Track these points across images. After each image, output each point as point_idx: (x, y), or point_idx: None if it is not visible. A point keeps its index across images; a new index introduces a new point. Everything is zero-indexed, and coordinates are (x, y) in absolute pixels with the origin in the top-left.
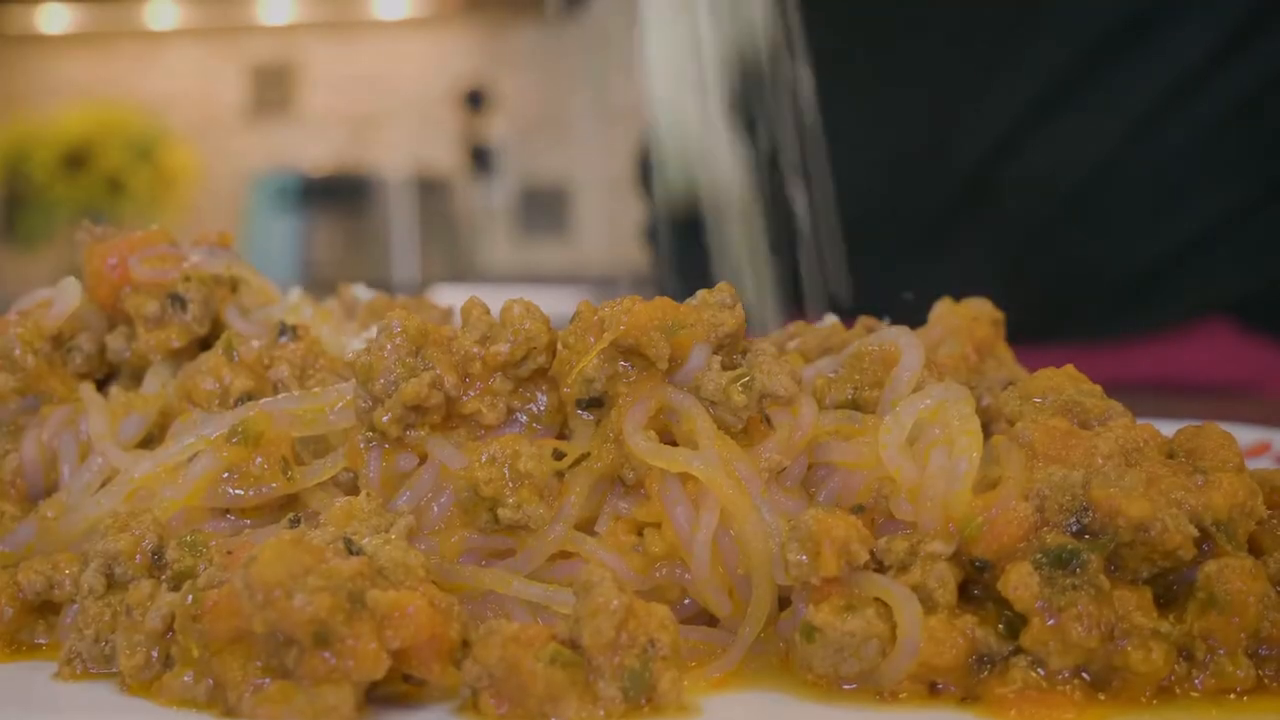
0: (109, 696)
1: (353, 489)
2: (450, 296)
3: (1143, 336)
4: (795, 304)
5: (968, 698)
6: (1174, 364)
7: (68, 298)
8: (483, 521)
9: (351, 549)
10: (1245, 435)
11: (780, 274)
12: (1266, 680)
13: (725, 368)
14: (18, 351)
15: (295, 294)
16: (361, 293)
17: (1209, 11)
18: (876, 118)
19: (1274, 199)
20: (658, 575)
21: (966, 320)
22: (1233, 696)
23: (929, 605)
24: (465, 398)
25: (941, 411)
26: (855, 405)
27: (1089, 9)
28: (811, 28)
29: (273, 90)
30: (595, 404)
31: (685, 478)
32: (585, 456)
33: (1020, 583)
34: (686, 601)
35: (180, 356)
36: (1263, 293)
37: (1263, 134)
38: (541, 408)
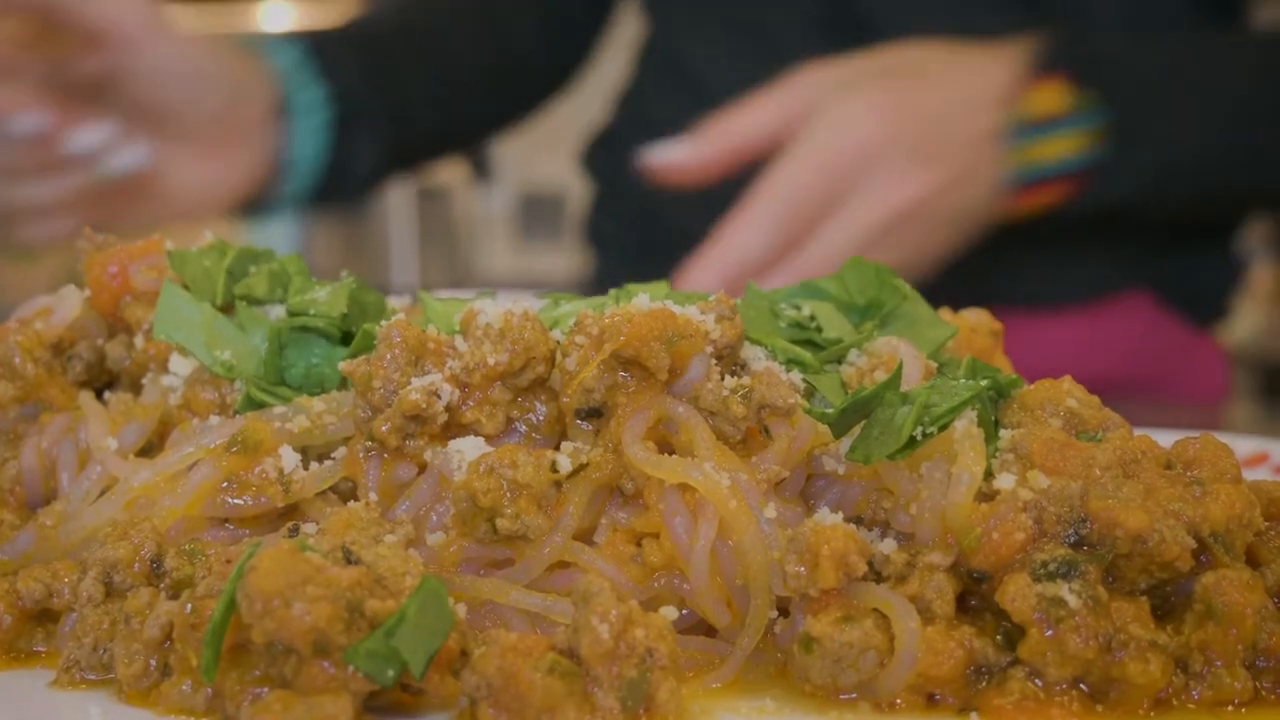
0: (107, 705)
1: (352, 498)
2: None
3: (1068, 304)
4: None
5: (966, 708)
6: (1099, 331)
7: (68, 306)
8: (481, 531)
9: (350, 558)
10: (1243, 446)
11: None
12: (1264, 692)
13: (724, 378)
14: (18, 359)
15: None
16: None
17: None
18: None
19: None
20: (656, 585)
21: (965, 330)
22: (1230, 709)
23: (927, 616)
24: (464, 407)
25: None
26: None
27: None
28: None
29: None
30: (594, 414)
31: (684, 488)
32: (584, 467)
33: (1018, 594)
34: (685, 612)
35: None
36: (1177, 274)
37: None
38: (540, 418)
